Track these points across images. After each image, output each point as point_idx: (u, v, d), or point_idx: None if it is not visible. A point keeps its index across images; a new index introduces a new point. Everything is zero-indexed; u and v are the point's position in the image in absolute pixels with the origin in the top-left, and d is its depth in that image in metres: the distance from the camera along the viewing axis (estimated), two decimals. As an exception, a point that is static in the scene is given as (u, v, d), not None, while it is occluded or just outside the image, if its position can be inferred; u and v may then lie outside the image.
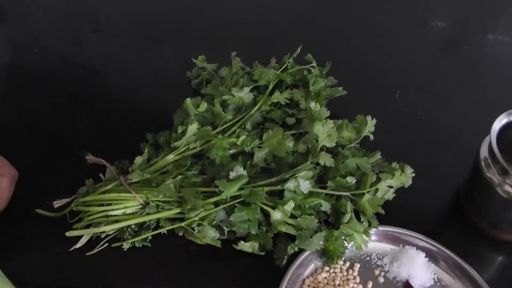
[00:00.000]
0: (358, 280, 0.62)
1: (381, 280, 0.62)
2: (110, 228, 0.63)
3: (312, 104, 0.67)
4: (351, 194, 0.63)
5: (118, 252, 0.63)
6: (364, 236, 0.62)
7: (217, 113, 0.69)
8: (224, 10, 0.96)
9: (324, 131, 0.64)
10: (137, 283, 0.62)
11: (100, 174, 0.68)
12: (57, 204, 0.65)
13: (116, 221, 0.63)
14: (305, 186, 0.62)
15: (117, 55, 0.89)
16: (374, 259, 0.64)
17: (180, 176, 0.65)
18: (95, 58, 0.89)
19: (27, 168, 0.68)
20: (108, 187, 0.65)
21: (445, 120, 0.79)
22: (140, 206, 0.64)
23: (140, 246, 0.64)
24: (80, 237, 0.64)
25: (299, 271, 0.62)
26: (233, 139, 0.67)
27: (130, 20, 0.94)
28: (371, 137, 0.68)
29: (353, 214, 0.63)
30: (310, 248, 0.61)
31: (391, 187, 0.64)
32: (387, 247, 0.64)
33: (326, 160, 0.63)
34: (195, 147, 0.68)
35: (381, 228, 0.64)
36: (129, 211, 0.64)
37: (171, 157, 0.67)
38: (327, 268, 0.63)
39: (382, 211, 0.63)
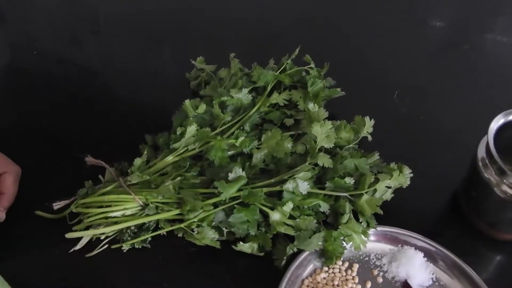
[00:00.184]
0: (357, 280, 0.62)
1: (380, 280, 0.63)
2: (109, 230, 0.64)
3: (311, 105, 0.68)
4: (349, 195, 0.63)
5: (118, 253, 0.64)
6: (362, 236, 0.63)
7: (216, 114, 0.69)
8: (223, 11, 0.96)
9: (323, 132, 0.64)
10: (137, 284, 0.62)
11: (100, 176, 0.68)
12: (56, 205, 0.66)
13: (116, 223, 0.64)
14: (304, 187, 0.62)
15: (116, 56, 0.89)
16: (372, 259, 0.64)
17: (179, 178, 0.66)
18: (95, 59, 0.89)
19: (27, 169, 0.68)
20: (108, 188, 0.65)
21: (443, 120, 0.79)
22: (139, 208, 0.65)
23: (140, 247, 0.64)
24: (79, 238, 0.64)
25: (298, 271, 0.62)
26: (232, 141, 0.67)
27: (129, 21, 0.94)
28: (369, 137, 0.69)
29: (351, 215, 0.63)
30: (309, 248, 0.61)
31: (390, 187, 0.64)
32: (385, 247, 0.65)
33: (324, 161, 0.63)
34: (194, 149, 0.68)
35: (379, 228, 0.64)
36: (128, 212, 0.64)
37: (170, 158, 0.68)
38: (326, 269, 0.63)
39: (381, 212, 0.63)
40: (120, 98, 0.82)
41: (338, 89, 0.77)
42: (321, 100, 0.72)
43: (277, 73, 0.74)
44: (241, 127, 0.70)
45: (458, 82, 0.86)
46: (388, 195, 0.64)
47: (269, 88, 0.73)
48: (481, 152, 0.63)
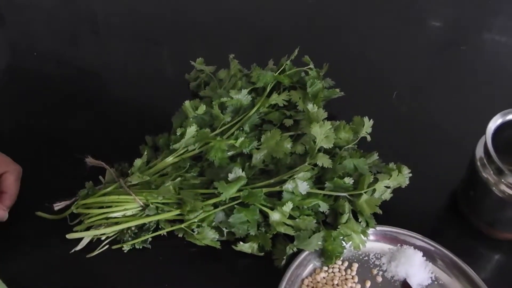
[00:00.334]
0: (356, 279, 0.62)
1: (379, 279, 0.63)
2: (110, 230, 0.64)
3: (310, 106, 0.68)
4: (349, 195, 0.64)
5: (119, 254, 0.64)
6: (362, 236, 0.63)
7: (215, 115, 0.70)
8: (222, 12, 0.96)
9: (322, 133, 0.64)
10: (137, 284, 0.62)
11: (100, 177, 0.68)
12: (57, 206, 0.66)
13: (116, 223, 0.64)
14: (303, 187, 0.63)
15: (116, 57, 0.89)
16: (372, 258, 0.64)
17: (179, 178, 0.66)
18: (95, 60, 0.89)
19: (28, 170, 0.68)
20: (108, 189, 0.65)
21: (441, 120, 0.80)
22: (140, 208, 0.65)
23: (140, 247, 0.64)
24: (80, 239, 0.64)
25: (298, 271, 0.62)
26: (232, 141, 0.67)
27: (128, 22, 0.94)
28: (369, 138, 0.69)
29: (351, 215, 0.63)
30: (309, 248, 0.62)
31: (389, 187, 0.64)
32: (385, 246, 0.65)
33: (324, 161, 0.64)
34: (194, 149, 0.68)
35: (379, 228, 0.64)
36: (129, 213, 0.65)
37: (170, 159, 0.68)
38: (325, 268, 0.63)
39: (380, 211, 0.64)
40: (120, 99, 0.82)
41: (337, 90, 0.77)
42: (320, 101, 0.72)
43: (277, 74, 0.74)
44: (241, 128, 0.70)
45: (457, 82, 0.87)
46: (387, 195, 0.65)
47: (268, 89, 0.73)
48: (479, 152, 0.63)
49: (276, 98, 0.73)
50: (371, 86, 0.84)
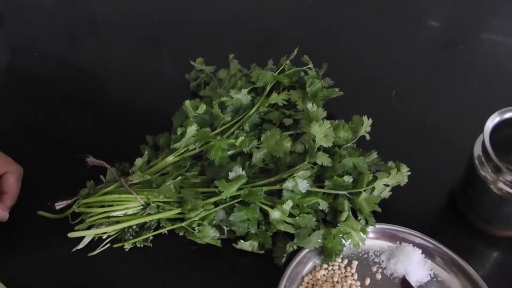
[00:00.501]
0: (356, 277, 0.63)
1: (379, 276, 0.63)
2: (111, 229, 0.64)
3: (309, 105, 0.68)
4: (348, 193, 0.64)
5: (120, 252, 0.64)
6: (361, 234, 0.63)
7: (215, 114, 0.70)
8: (221, 13, 0.96)
9: (321, 132, 0.64)
10: (138, 282, 0.63)
11: (101, 176, 0.69)
12: (59, 205, 0.66)
13: (118, 222, 0.64)
14: (303, 185, 0.63)
15: (116, 58, 0.89)
16: (371, 256, 0.65)
17: (180, 177, 0.66)
18: (96, 61, 0.89)
19: (29, 170, 0.68)
20: (109, 188, 0.66)
21: (440, 119, 0.80)
22: (141, 207, 0.65)
23: (142, 246, 0.65)
24: (82, 238, 0.64)
25: (298, 269, 0.62)
26: (232, 140, 0.67)
27: (128, 23, 0.95)
28: (367, 136, 0.69)
29: (350, 213, 0.64)
30: (309, 246, 0.62)
31: (388, 185, 0.65)
32: (384, 244, 0.65)
33: (323, 159, 0.64)
34: (195, 148, 0.68)
35: (378, 226, 0.65)
36: (130, 212, 0.65)
37: (171, 158, 0.68)
38: (325, 266, 0.64)
39: (379, 209, 0.64)
40: (121, 99, 0.83)
41: (336, 89, 0.77)
42: (319, 100, 0.73)
43: (276, 73, 0.74)
44: (241, 127, 0.70)
45: (455, 81, 0.87)
46: (386, 193, 0.65)
47: (268, 89, 0.74)
48: (477, 150, 0.64)
49: (275, 98, 0.73)
50: (370, 86, 0.85)
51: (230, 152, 0.68)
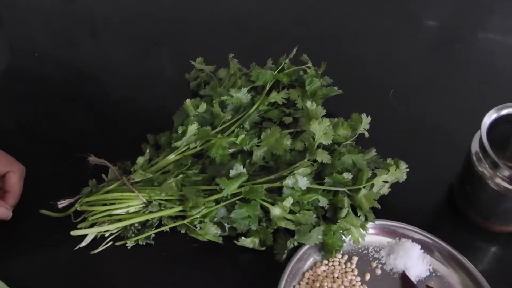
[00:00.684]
0: (356, 272, 0.63)
1: (379, 272, 0.64)
2: (114, 227, 0.65)
3: (309, 103, 0.68)
4: (348, 190, 0.64)
5: (122, 250, 0.65)
6: (361, 230, 0.64)
7: (216, 113, 0.70)
8: (221, 12, 0.97)
9: (321, 129, 0.65)
10: (141, 279, 0.63)
11: (103, 175, 0.69)
12: (61, 204, 0.66)
13: (120, 220, 0.65)
14: (303, 182, 0.63)
15: (117, 58, 0.90)
16: (371, 252, 0.65)
17: (181, 175, 0.67)
18: (95, 61, 0.89)
19: (31, 169, 0.69)
20: (111, 187, 0.66)
21: (438, 117, 0.81)
22: (143, 205, 0.66)
23: (144, 244, 0.65)
24: (84, 236, 0.65)
25: (299, 265, 0.63)
26: (233, 139, 0.68)
27: (128, 23, 0.95)
28: (366, 134, 0.70)
29: (350, 209, 0.64)
30: (309, 242, 0.62)
31: (387, 182, 0.65)
32: (383, 240, 0.66)
33: (323, 157, 0.64)
34: (195, 147, 0.69)
35: (377, 222, 0.65)
36: (132, 210, 0.65)
37: (172, 157, 0.69)
38: (326, 262, 0.64)
39: (378, 206, 0.64)
40: (122, 99, 0.83)
41: (335, 88, 0.78)
42: (318, 99, 0.73)
43: (276, 72, 0.75)
44: (241, 126, 0.71)
45: (452, 80, 0.87)
46: (385, 190, 0.66)
47: (267, 87, 0.74)
48: (475, 147, 0.64)
49: (275, 96, 0.73)
50: (368, 84, 0.85)
51: (230, 150, 0.68)
